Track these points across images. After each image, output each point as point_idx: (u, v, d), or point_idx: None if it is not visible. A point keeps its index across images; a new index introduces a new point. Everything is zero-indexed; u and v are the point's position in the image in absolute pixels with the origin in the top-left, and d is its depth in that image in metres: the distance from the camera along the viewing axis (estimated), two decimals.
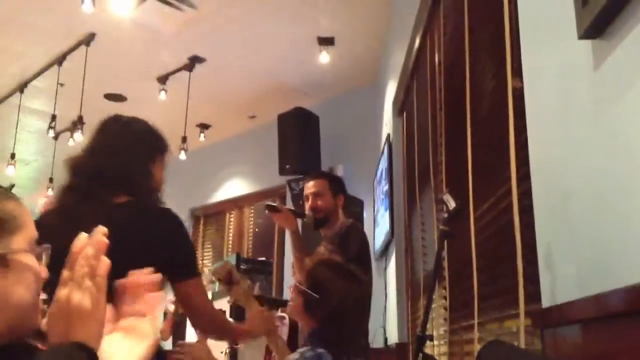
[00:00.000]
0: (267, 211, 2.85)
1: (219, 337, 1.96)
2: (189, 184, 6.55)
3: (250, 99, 5.76)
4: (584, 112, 1.11)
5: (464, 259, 2.16)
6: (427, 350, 2.40)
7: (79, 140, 5.09)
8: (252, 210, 6.53)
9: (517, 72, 1.58)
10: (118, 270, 1.54)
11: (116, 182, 1.67)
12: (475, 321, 1.97)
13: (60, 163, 6.43)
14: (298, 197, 5.02)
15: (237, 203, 6.55)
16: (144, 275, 0.86)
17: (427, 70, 3.21)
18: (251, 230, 6.53)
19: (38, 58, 5.02)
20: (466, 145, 2.19)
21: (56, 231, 1.54)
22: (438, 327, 2.84)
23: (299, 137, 5.27)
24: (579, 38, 1.06)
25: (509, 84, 1.67)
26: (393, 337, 3.83)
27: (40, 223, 1.62)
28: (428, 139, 3.08)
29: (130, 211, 1.62)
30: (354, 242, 2.56)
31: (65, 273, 0.75)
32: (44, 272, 0.84)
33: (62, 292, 0.74)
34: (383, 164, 4.20)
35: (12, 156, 5.65)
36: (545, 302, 1.24)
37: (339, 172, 5.28)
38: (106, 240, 0.78)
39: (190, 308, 1.69)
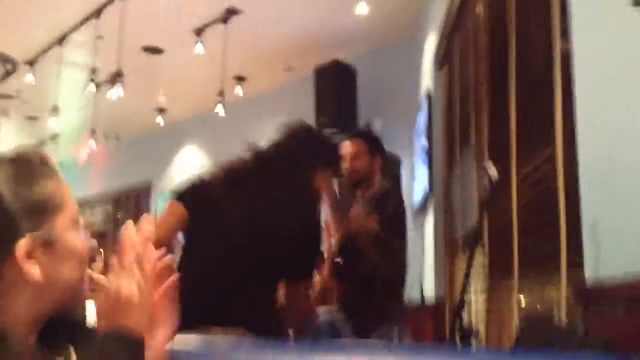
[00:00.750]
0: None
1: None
2: (227, 138, 6.57)
3: (286, 51, 5.68)
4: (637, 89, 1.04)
5: (504, 221, 2.11)
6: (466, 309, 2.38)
7: (119, 94, 5.12)
8: None
9: (565, 32, 1.49)
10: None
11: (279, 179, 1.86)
12: (515, 284, 1.95)
13: (101, 114, 6.54)
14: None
15: None
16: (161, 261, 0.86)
17: (470, 23, 3.09)
18: None
19: (75, 11, 5.02)
20: (510, 104, 2.12)
21: (225, 203, 1.72)
22: (477, 282, 2.82)
23: (336, 90, 5.20)
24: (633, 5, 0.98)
25: (556, 43, 1.59)
26: (430, 293, 3.83)
27: (213, 185, 1.79)
28: (470, 95, 3.00)
29: (282, 208, 1.81)
30: (389, 207, 2.52)
31: (115, 262, 0.76)
32: (86, 247, 0.85)
33: (112, 280, 0.75)
34: (422, 119, 4.12)
35: (55, 108, 5.74)
36: (589, 275, 1.21)
37: (376, 126, 5.21)
38: (152, 229, 0.78)
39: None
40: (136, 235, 0.78)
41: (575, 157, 1.38)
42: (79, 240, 0.83)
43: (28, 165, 0.81)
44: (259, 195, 1.78)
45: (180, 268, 1.68)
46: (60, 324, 0.81)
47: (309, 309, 1.84)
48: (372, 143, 2.76)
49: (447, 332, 2.89)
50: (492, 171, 1.46)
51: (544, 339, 1.21)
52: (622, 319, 1.05)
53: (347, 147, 2.72)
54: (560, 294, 1.44)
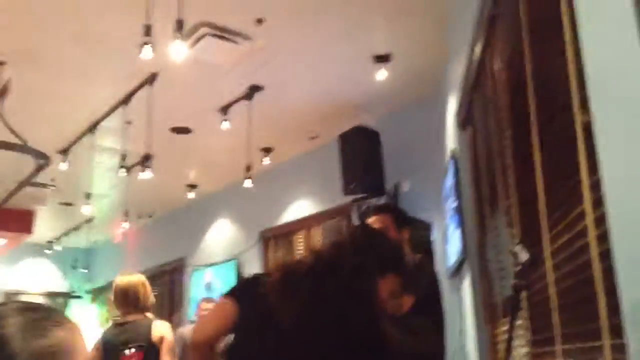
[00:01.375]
0: None
1: None
2: (257, 208, 6.62)
3: (310, 120, 5.77)
4: None
5: (542, 296, 2.04)
6: None
7: (149, 177, 5.24)
8: (320, 230, 6.53)
9: (585, 103, 1.47)
10: None
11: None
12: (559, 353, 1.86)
13: (134, 194, 6.70)
14: (364, 216, 4.97)
15: (304, 223, 6.56)
16: None
17: (489, 83, 3.09)
18: None
19: (105, 100, 5.21)
20: (535, 171, 2.08)
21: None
22: (519, 347, 2.71)
23: (361, 155, 5.23)
24: None
25: (577, 115, 1.57)
26: (473, 358, 3.70)
27: (264, 298, 1.62)
28: (494, 158, 2.96)
29: None
30: (423, 281, 2.47)
31: None
32: None
33: None
34: (449, 180, 4.09)
35: (87, 195, 5.89)
36: None
37: (405, 188, 5.20)
38: None
39: None
40: None
41: (606, 229, 1.33)
42: None
43: (40, 314, 0.81)
44: (318, 300, 1.60)
45: None
46: None
47: None
48: (397, 216, 2.73)
49: None
50: (523, 255, 1.43)
51: None
52: None
53: (372, 223, 2.70)
54: None
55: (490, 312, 3.46)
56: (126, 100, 5.10)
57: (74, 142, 5.90)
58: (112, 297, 3.67)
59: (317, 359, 1.57)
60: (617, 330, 1.30)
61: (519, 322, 2.51)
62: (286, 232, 6.85)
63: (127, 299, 3.56)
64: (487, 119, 3.19)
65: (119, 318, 3.61)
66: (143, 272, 9.00)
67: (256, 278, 1.78)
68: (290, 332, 1.57)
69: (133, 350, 3.36)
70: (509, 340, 1.62)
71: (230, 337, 1.68)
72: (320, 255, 1.70)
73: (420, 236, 2.80)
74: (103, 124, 5.59)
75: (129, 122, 5.36)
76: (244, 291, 1.72)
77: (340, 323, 1.58)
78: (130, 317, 3.53)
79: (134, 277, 3.75)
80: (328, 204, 6.11)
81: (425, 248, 3.17)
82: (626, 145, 1.22)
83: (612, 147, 1.29)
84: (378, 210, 2.85)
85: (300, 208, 6.57)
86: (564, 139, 1.72)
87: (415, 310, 2.28)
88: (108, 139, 5.92)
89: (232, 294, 1.70)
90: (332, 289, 1.60)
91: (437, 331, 2.43)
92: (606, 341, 1.37)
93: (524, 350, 2.60)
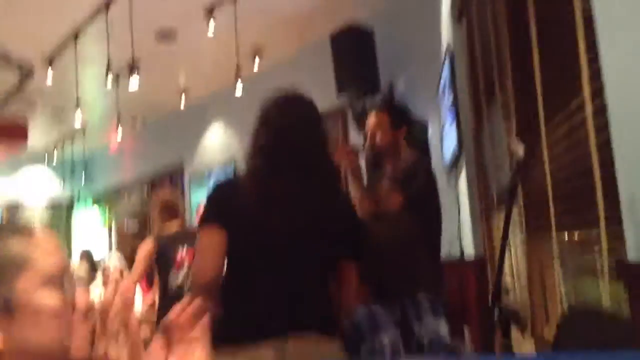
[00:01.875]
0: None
1: None
2: (251, 112, 6.55)
3: (299, 19, 5.58)
4: None
5: (539, 185, 2.06)
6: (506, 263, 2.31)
7: (135, 87, 5.16)
8: None
9: None
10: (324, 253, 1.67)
11: (302, 162, 1.74)
12: (555, 250, 1.91)
13: (124, 101, 6.60)
14: (360, 116, 4.94)
15: None
16: (190, 307, 0.83)
17: None
18: None
19: (86, 5, 5.01)
20: (533, 62, 2.04)
21: (257, 205, 1.62)
22: (515, 237, 2.78)
23: (354, 54, 5.10)
24: None
25: (576, 2, 1.51)
26: (469, 249, 3.81)
27: (236, 188, 1.71)
28: (491, 50, 2.90)
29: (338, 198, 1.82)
30: (417, 181, 2.44)
31: (98, 328, 0.74)
32: (71, 305, 0.80)
33: (99, 348, 0.74)
34: (445, 75, 4.01)
35: (77, 103, 5.84)
36: (631, 252, 1.17)
37: (400, 85, 5.12)
38: (134, 292, 0.77)
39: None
40: (118, 299, 0.75)
41: (606, 120, 1.32)
42: (52, 300, 0.78)
43: None
44: (289, 176, 1.68)
45: (230, 286, 1.65)
46: None
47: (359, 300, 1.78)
48: (395, 114, 2.68)
49: (490, 288, 2.87)
50: (519, 149, 1.42)
51: (588, 328, 1.18)
52: None
53: (369, 121, 2.67)
54: (603, 267, 1.40)
55: (487, 204, 3.53)
56: (107, 4, 4.91)
57: (58, 51, 5.73)
58: (155, 210, 4.02)
59: (312, 233, 1.66)
60: (614, 219, 1.32)
61: (515, 210, 2.56)
62: None
63: (170, 212, 3.93)
64: (483, 10, 3.08)
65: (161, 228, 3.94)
66: (143, 180, 9.09)
67: (222, 188, 1.79)
68: (280, 218, 1.63)
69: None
70: (505, 228, 1.64)
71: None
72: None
73: (416, 136, 2.76)
74: (86, 30, 5.40)
75: (111, 27, 5.19)
76: (222, 209, 1.70)
77: (316, 191, 1.70)
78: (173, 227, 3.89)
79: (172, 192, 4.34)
80: (322, 105, 5.99)
81: (421, 148, 3.14)
82: (627, 33, 1.18)
83: (613, 35, 1.26)
84: (377, 107, 2.80)
85: None
86: (564, 27, 1.67)
87: (413, 204, 2.31)
88: (93, 47, 5.75)
89: (213, 219, 1.69)
90: (296, 163, 1.70)
91: (429, 225, 2.45)
92: (603, 230, 1.40)
93: (520, 237, 2.67)
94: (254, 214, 1.64)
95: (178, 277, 3.64)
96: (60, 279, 0.81)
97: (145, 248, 3.73)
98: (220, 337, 1.59)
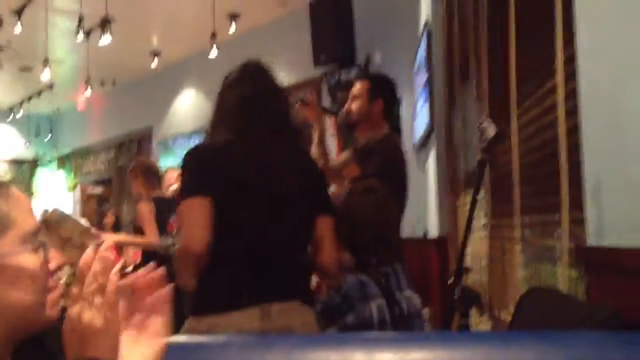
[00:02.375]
0: (299, 105, 2.79)
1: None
2: (222, 78, 6.44)
3: None
4: None
5: (505, 169, 2.07)
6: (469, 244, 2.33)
7: (108, 42, 5.02)
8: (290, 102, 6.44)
9: None
10: (292, 205, 1.66)
11: (272, 118, 1.76)
12: (517, 233, 1.92)
13: (95, 60, 6.44)
14: (335, 89, 4.90)
15: None
16: (152, 272, 0.82)
17: None
18: None
19: None
20: (509, 43, 2.02)
21: (236, 163, 1.63)
22: (479, 219, 2.81)
23: (332, 24, 5.03)
24: None
25: None
26: (433, 229, 3.84)
27: (211, 152, 1.69)
28: (469, 28, 2.88)
29: (292, 150, 1.76)
30: (375, 160, 2.42)
31: (74, 290, 0.73)
32: (44, 265, 0.79)
33: (73, 310, 0.72)
34: (422, 52, 3.99)
35: (46, 59, 5.63)
36: (591, 237, 1.17)
37: (376, 59, 5.08)
38: (112, 256, 0.74)
39: (317, 244, 1.76)
40: (97, 262, 0.73)
41: (577, 105, 1.32)
42: (31, 260, 0.77)
43: None
44: (262, 135, 1.70)
45: (214, 253, 1.61)
46: (25, 350, 0.78)
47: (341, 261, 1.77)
48: (374, 85, 2.66)
49: (452, 267, 2.90)
50: (490, 129, 1.40)
51: (544, 309, 1.19)
52: (623, 286, 1.02)
53: (353, 88, 2.68)
54: (562, 251, 1.41)
55: (454, 184, 3.55)
56: None
57: (28, 2, 5.53)
58: (138, 175, 4.13)
59: (290, 191, 1.67)
60: (576, 204, 1.32)
61: (481, 194, 2.57)
62: None
63: (155, 177, 4.16)
64: None
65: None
66: (110, 142, 8.93)
67: (199, 153, 1.74)
68: (258, 181, 1.64)
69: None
70: (471, 210, 1.64)
71: None
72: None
73: (392, 111, 2.74)
74: None
75: None
76: (203, 176, 1.67)
77: (288, 151, 1.73)
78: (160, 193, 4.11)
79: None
80: (299, 75, 5.95)
81: (393, 124, 3.10)
82: (603, 18, 1.17)
83: (589, 19, 1.24)
84: (361, 76, 2.82)
85: None
86: (542, 9, 1.65)
87: (374, 176, 2.33)
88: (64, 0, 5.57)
89: (197, 188, 1.65)
90: (264, 125, 1.73)
91: (396, 197, 2.45)
92: (565, 214, 1.40)
93: (484, 221, 2.70)
94: (236, 176, 1.63)
95: (167, 240, 3.78)
96: (37, 238, 0.78)
97: (146, 210, 3.87)
98: (205, 306, 1.58)
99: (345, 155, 2.75)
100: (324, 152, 2.69)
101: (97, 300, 0.72)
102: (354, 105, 2.65)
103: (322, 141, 2.70)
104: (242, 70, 1.82)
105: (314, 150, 2.66)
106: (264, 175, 1.65)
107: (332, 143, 4.89)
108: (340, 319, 1.55)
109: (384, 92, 2.66)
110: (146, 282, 0.80)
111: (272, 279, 1.60)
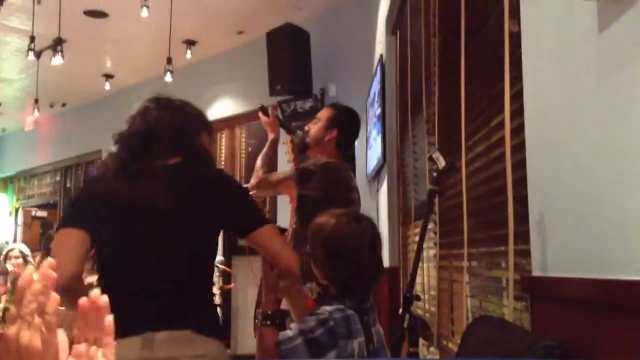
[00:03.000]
0: (259, 111, 2.85)
1: (303, 275, 1.87)
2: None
3: (237, 13, 5.51)
4: (585, 78, 1.03)
5: (455, 201, 2.12)
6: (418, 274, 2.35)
7: (59, 62, 4.94)
8: (244, 130, 6.44)
9: (515, 12, 1.47)
10: (177, 229, 1.58)
11: (169, 143, 1.68)
12: (465, 264, 1.97)
13: (46, 80, 6.27)
14: (289, 119, 4.93)
15: (228, 123, 6.43)
16: (96, 299, 0.78)
17: None
18: (244, 150, 6.47)
19: None
20: (460, 80, 2.10)
21: (118, 188, 1.57)
22: (428, 249, 2.86)
23: (289, 55, 5.08)
24: None
25: (505, 24, 1.56)
26: (384, 260, 3.87)
27: (98, 181, 1.64)
28: (421, 64, 2.96)
29: (186, 171, 1.66)
30: (313, 181, 2.44)
31: (12, 310, 0.69)
32: None
33: (10, 330, 0.68)
34: (376, 86, 4.08)
35: None
36: (536, 269, 1.21)
37: (331, 91, 5.16)
38: (54, 274, 0.70)
39: (271, 254, 1.73)
40: (37, 280, 0.70)
41: (523, 140, 1.37)
42: None
43: None
44: (154, 159, 1.65)
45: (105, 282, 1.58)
46: None
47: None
48: (335, 114, 2.73)
49: (401, 297, 2.93)
50: (441, 161, 1.45)
51: (490, 338, 1.22)
52: (566, 315, 1.06)
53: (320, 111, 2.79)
54: (508, 282, 1.45)
55: (404, 215, 3.60)
56: None
57: None
58: None
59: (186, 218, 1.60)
60: (522, 236, 1.37)
61: (430, 225, 2.63)
62: None
63: None
64: (417, 24, 3.15)
65: None
66: (57, 165, 8.67)
67: (85, 187, 1.74)
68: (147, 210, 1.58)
69: None
70: (420, 241, 1.68)
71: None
72: (130, 131, 1.75)
73: (345, 143, 2.79)
74: (10, 0, 5.11)
75: (39, 1, 4.94)
76: (83, 208, 1.63)
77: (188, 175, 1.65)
78: None
79: None
80: (255, 103, 5.96)
81: (347, 156, 3.12)
82: (550, 56, 1.23)
83: (537, 58, 1.31)
84: (329, 105, 2.93)
85: (225, 106, 6.41)
86: (491, 47, 1.73)
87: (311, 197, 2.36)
88: (16, 18, 5.46)
89: (70, 221, 1.61)
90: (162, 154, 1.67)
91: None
92: (511, 246, 1.45)
93: (433, 251, 2.75)
94: (108, 208, 1.58)
95: None
96: None
97: None
98: None
99: (284, 172, 2.79)
100: (268, 162, 2.73)
101: (37, 320, 0.69)
102: (313, 128, 2.71)
103: (272, 149, 2.76)
104: (141, 106, 1.81)
105: (260, 158, 2.70)
106: (138, 206, 1.58)
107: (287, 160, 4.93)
108: (318, 354, 1.51)
109: (342, 124, 2.70)
110: (91, 309, 0.77)
111: (157, 308, 1.53)
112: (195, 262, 1.63)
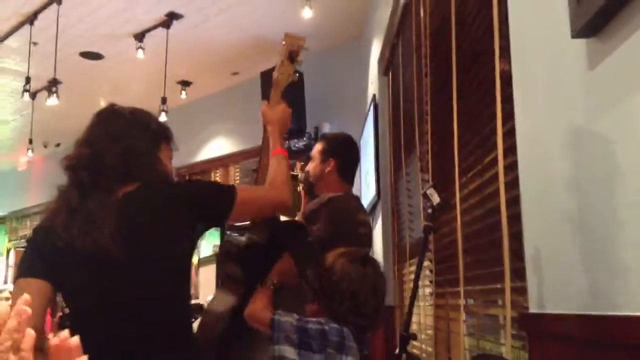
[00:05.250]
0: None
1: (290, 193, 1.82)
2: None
3: (231, 55, 5.60)
4: (576, 115, 1.04)
5: (449, 238, 2.12)
6: (414, 312, 2.32)
7: (55, 103, 4.97)
8: (238, 169, 6.45)
9: (506, 51, 1.49)
10: (144, 253, 1.46)
11: (121, 170, 1.52)
12: (461, 302, 1.95)
13: (40, 121, 6.31)
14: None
15: (222, 162, 6.46)
16: (66, 339, 0.76)
17: (413, 29, 3.09)
18: None
19: (8, 17, 4.81)
20: (452, 118, 2.12)
21: (69, 239, 1.42)
22: (424, 287, 2.84)
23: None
24: (572, 37, 0.98)
25: (496, 63, 1.59)
26: None
27: (48, 225, 1.50)
28: (414, 103, 3.00)
29: (143, 195, 1.51)
30: (320, 222, 2.39)
31: None
32: None
33: None
34: (369, 125, 4.12)
35: None
36: (533, 305, 1.21)
37: (325, 130, 5.20)
38: (29, 311, 0.69)
39: (260, 209, 1.73)
40: (12, 317, 0.69)
41: (517, 177, 1.38)
42: None
43: None
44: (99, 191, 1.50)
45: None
46: None
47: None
48: (327, 145, 2.62)
49: (398, 336, 2.90)
50: (435, 198, 1.46)
51: None
52: (564, 352, 1.05)
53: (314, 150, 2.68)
54: (505, 319, 1.44)
55: (399, 253, 3.59)
56: (32, 18, 4.74)
57: None
58: None
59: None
60: (518, 273, 1.37)
61: (426, 262, 2.61)
62: (203, 170, 6.72)
63: None
64: (408, 65, 3.20)
65: None
66: (49, 204, 8.64)
67: (36, 235, 1.56)
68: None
69: None
70: (416, 279, 1.67)
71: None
72: (75, 164, 1.59)
73: (348, 169, 2.71)
74: (7, 42, 5.18)
75: (35, 43, 5.00)
76: (36, 256, 1.50)
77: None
78: None
79: None
80: (249, 142, 6.00)
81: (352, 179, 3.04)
82: (541, 92, 1.25)
83: (528, 96, 1.32)
84: (320, 137, 2.87)
85: (219, 146, 6.45)
86: (483, 86, 1.75)
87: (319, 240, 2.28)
88: (12, 59, 5.51)
89: (24, 272, 1.48)
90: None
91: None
92: (507, 283, 1.44)
93: (429, 289, 2.73)
94: (72, 255, 1.45)
95: None
96: None
97: None
98: None
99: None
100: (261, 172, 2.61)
101: (12, 358, 0.67)
102: (310, 166, 2.65)
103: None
104: (89, 123, 1.66)
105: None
106: (94, 259, 1.43)
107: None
108: (307, 347, 1.49)
109: (337, 152, 2.61)
110: (62, 349, 0.74)
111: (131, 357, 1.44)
112: (165, 306, 1.50)
